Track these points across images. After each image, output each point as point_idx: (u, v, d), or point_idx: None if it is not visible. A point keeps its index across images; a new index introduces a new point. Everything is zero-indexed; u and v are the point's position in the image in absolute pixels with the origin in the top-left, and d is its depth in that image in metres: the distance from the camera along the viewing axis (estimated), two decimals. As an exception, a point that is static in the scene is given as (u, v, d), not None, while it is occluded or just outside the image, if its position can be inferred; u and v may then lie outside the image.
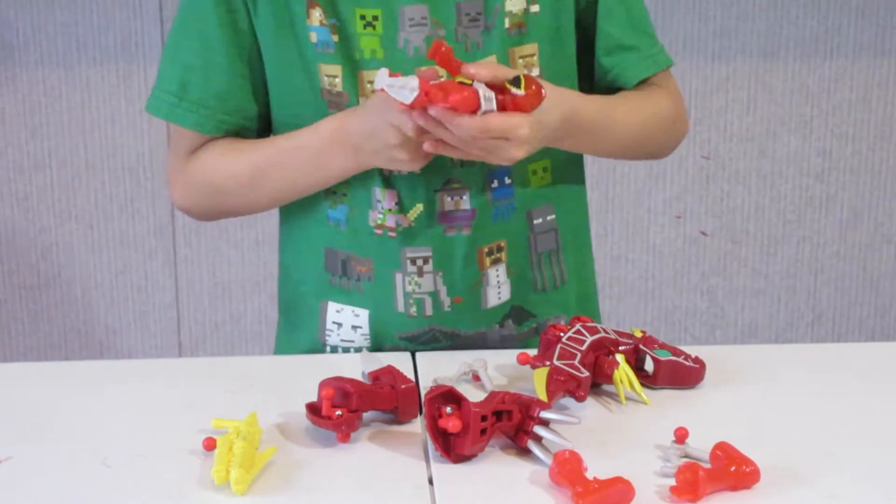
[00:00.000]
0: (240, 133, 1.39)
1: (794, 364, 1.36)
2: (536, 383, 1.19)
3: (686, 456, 1.14)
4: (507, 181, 1.36)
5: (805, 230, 2.67)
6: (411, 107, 1.21)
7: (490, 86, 1.21)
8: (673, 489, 1.07)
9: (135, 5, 2.45)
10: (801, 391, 1.30)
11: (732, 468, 1.09)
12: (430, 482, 1.11)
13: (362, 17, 1.32)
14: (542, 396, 1.17)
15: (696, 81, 2.56)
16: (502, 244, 1.39)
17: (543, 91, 1.22)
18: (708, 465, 1.11)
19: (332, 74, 1.33)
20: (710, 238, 2.66)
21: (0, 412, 1.25)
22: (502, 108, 1.21)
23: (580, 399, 1.22)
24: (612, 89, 1.41)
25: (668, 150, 1.48)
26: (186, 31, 1.37)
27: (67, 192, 2.54)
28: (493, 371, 1.31)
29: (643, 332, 1.32)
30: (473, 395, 1.18)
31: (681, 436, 1.15)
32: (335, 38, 1.32)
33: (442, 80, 1.23)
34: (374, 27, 1.32)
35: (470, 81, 1.21)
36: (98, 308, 2.62)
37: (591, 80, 1.42)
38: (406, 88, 1.20)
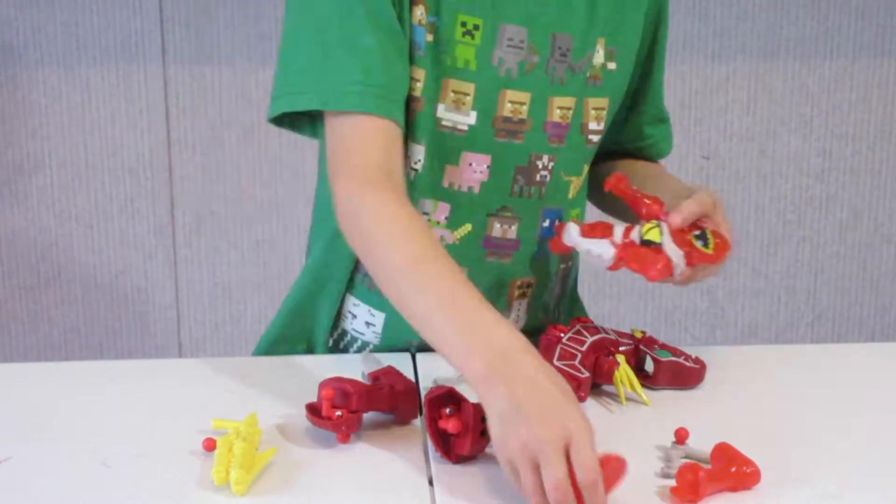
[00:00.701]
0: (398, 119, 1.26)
1: (794, 364, 1.36)
2: None
3: (686, 456, 1.14)
4: (557, 223, 1.37)
5: (805, 230, 2.67)
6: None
7: (674, 234, 1.23)
8: (673, 490, 1.07)
9: (135, 5, 2.44)
10: (802, 391, 1.30)
11: (733, 469, 1.09)
12: (430, 483, 1.11)
13: (463, 24, 1.28)
14: None
15: (696, 81, 2.56)
16: (532, 281, 1.40)
17: (729, 243, 1.24)
18: (708, 466, 1.11)
19: (415, 78, 1.29)
20: (710, 238, 2.66)
21: (0, 412, 1.25)
22: (689, 263, 1.23)
23: (581, 400, 1.22)
24: (634, 155, 1.48)
25: None
26: (352, 16, 1.24)
27: (67, 192, 2.54)
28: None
29: (643, 332, 1.32)
30: (473, 395, 1.18)
31: (681, 436, 1.15)
32: (429, 37, 1.28)
33: (631, 241, 1.24)
34: (472, 36, 1.29)
35: (655, 224, 1.25)
36: (98, 308, 2.62)
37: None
38: (602, 255, 1.24)
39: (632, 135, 1.47)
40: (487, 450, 1.15)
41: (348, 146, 1.23)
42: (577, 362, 1.23)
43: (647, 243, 1.23)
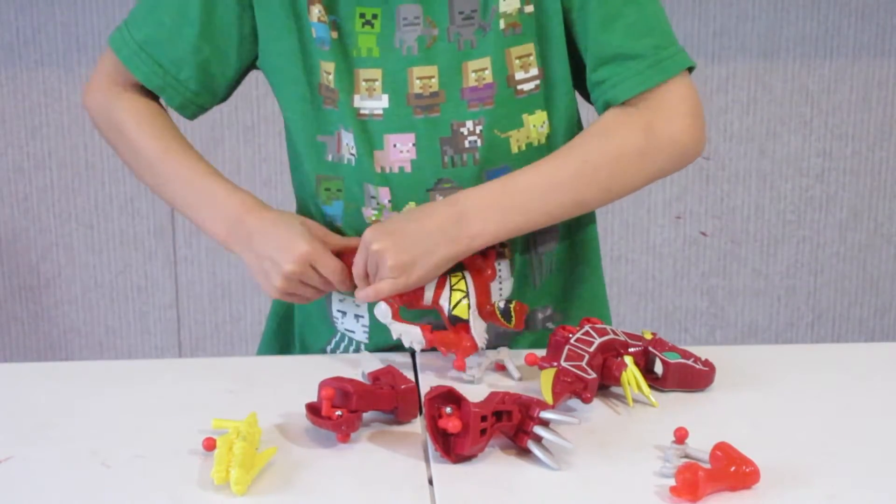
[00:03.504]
0: (182, 102, 1.40)
1: (794, 364, 1.36)
2: (543, 384, 1.19)
3: (686, 456, 1.14)
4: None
5: (805, 230, 2.67)
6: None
7: (480, 303, 1.32)
8: (673, 489, 1.07)
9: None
10: (801, 391, 1.30)
11: (732, 468, 1.09)
12: (430, 482, 1.11)
13: (362, 16, 1.32)
14: (547, 397, 1.17)
15: (696, 82, 2.56)
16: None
17: (527, 308, 1.32)
18: (708, 466, 1.11)
19: (328, 71, 1.34)
20: (710, 238, 2.66)
21: (0, 412, 1.25)
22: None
23: (587, 401, 1.21)
24: (600, 102, 1.35)
25: (639, 185, 1.37)
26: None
27: (67, 192, 2.54)
28: (498, 375, 1.31)
29: (654, 333, 1.31)
30: (474, 395, 1.18)
31: (680, 436, 1.15)
32: (334, 34, 1.33)
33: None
34: (372, 25, 1.32)
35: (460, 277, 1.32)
36: (98, 308, 2.62)
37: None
38: (413, 338, 1.30)
39: (592, 78, 1.34)
40: (487, 449, 1.15)
41: (103, 68, 1.43)
42: (584, 363, 1.22)
43: (454, 319, 1.30)
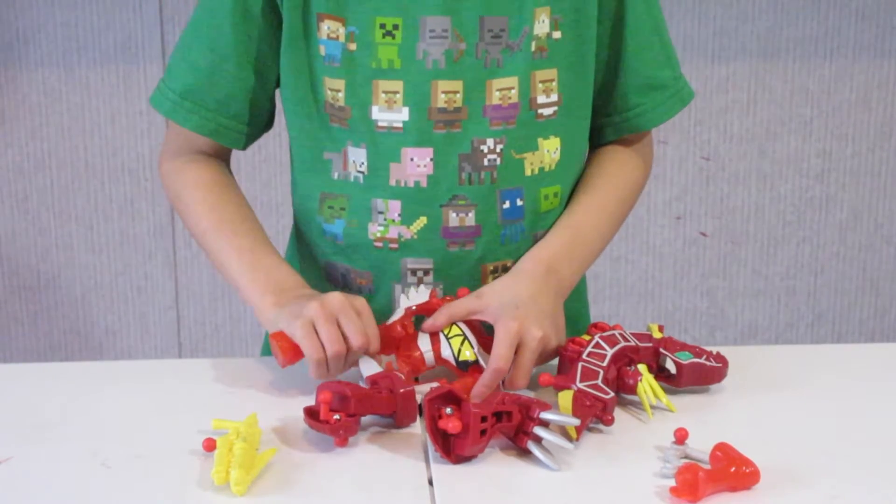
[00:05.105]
0: (236, 136, 1.40)
1: (794, 365, 1.36)
2: (562, 407, 1.17)
3: (686, 457, 1.14)
4: (519, 203, 1.36)
5: (805, 231, 2.67)
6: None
7: (478, 338, 1.29)
8: (673, 490, 1.07)
9: (135, 5, 2.45)
10: (801, 392, 1.30)
11: (732, 469, 1.09)
12: (430, 483, 1.12)
13: (382, 26, 1.30)
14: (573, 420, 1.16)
15: (696, 82, 2.56)
16: (508, 264, 1.38)
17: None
18: (708, 466, 1.11)
19: (335, 88, 1.33)
20: (710, 239, 2.66)
21: (0, 412, 1.25)
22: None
23: (608, 423, 1.19)
24: (622, 128, 1.42)
25: None
26: (199, 33, 1.37)
27: (67, 193, 2.54)
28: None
29: (661, 327, 1.31)
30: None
31: (680, 436, 1.15)
32: (352, 46, 1.31)
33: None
34: (393, 36, 1.30)
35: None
36: (98, 309, 2.62)
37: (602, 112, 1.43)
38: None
39: (618, 105, 1.42)
40: (487, 450, 1.15)
41: (169, 135, 1.45)
42: (599, 381, 1.21)
43: (464, 365, 1.27)
